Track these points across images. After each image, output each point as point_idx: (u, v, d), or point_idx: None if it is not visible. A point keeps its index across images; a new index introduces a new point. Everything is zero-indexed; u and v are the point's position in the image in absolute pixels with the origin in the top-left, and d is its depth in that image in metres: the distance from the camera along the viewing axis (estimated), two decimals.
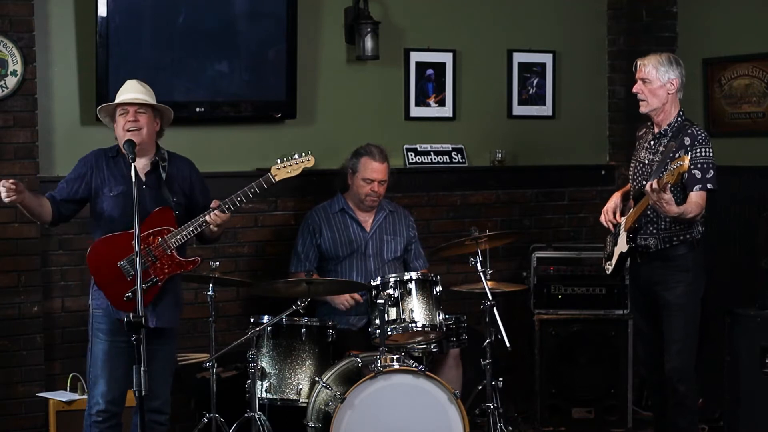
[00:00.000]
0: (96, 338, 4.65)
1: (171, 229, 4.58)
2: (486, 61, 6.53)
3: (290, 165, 4.61)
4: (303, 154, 4.67)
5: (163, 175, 4.65)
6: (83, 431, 4.72)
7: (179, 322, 4.87)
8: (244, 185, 5.83)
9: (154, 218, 4.58)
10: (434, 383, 4.88)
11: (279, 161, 4.64)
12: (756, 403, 5.51)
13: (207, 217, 4.58)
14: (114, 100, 4.69)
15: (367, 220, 5.67)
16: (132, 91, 4.65)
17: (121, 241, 4.53)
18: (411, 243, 5.77)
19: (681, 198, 4.92)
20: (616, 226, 5.23)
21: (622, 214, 5.23)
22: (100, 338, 4.64)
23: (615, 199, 5.29)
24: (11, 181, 4.41)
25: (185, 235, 4.59)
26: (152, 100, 4.67)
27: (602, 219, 5.27)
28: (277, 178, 4.60)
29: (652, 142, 5.15)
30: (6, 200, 4.42)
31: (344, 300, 5.44)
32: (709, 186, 4.94)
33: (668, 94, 5.06)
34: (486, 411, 5.22)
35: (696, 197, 4.92)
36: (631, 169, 5.29)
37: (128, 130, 4.57)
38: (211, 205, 4.61)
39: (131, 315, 3.96)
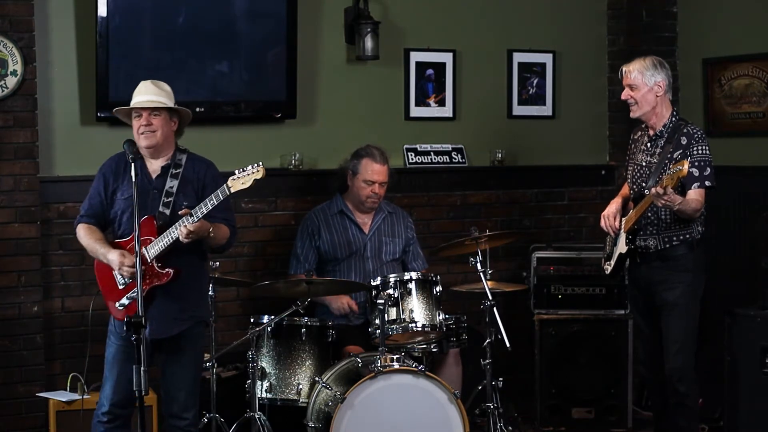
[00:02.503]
0: (109, 341, 4.68)
1: (152, 238, 4.53)
2: (486, 61, 6.53)
3: (244, 176, 4.53)
4: (255, 165, 4.54)
5: (173, 182, 4.60)
6: (91, 429, 4.74)
7: (192, 330, 4.69)
8: None
9: (141, 227, 4.51)
10: (434, 383, 4.88)
11: (236, 172, 4.55)
12: (756, 403, 5.51)
13: (177, 231, 4.47)
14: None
15: (366, 221, 5.67)
16: (145, 93, 4.61)
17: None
18: (409, 244, 5.77)
19: (680, 195, 4.93)
20: (617, 229, 5.23)
21: (623, 217, 5.23)
22: (111, 340, 4.66)
23: (615, 204, 5.28)
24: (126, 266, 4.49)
25: (162, 245, 4.50)
26: (168, 101, 4.63)
27: (603, 224, 5.27)
28: (232, 190, 4.51)
29: (648, 144, 5.16)
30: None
31: (341, 306, 5.43)
32: (707, 183, 4.95)
33: (657, 96, 5.07)
34: (486, 411, 5.22)
35: (694, 194, 4.93)
36: (629, 171, 5.30)
37: (141, 134, 4.56)
38: (181, 212, 4.49)
39: (131, 315, 3.97)
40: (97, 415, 4.66)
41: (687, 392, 5.11)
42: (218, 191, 4.49)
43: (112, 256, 4.53)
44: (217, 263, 5.04)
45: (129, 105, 4.63)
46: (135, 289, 4.48)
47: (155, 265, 4.53)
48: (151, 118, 4.58)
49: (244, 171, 4.55)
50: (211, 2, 5.71)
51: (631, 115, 5.15)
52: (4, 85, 5.30)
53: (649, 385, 5.82)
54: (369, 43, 6.01)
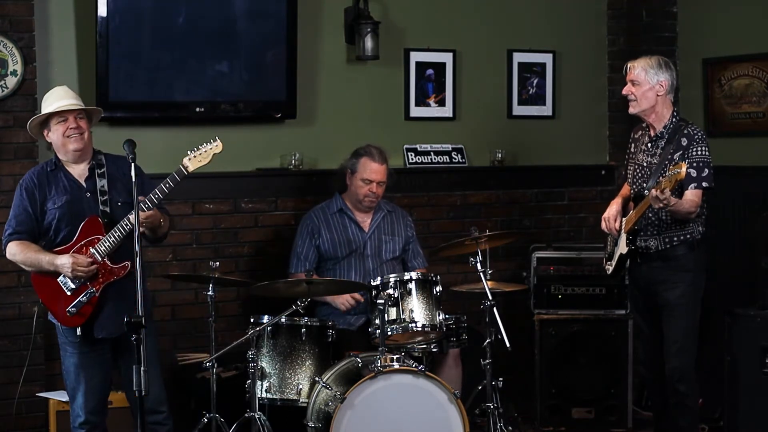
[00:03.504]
0: (65, 352, 4.66)
1: (100, 237, 4.54)
2: (486, 61, 6.53)
3: (200, 154, 4.55)
4: (211, 140, 4.58)
5: (101, 181, 4.60)
6: None
7: (149, 323, 4.63)
8: (244, 185, 5.86)
9: (84, 228, 4.56)
10: (434, 383, 4.88)
11: (189, 152, 4.57)
12: (756, 403, 5.51)
13: (130, 217, 4.48)
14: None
15: (365, 220, 5.67)
16: (65, 98, 4.60)
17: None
18: (409, 243, 5.77)
19: (678, 196, 4.93)
20: (618, 230, 5.23)
21: (623, 217, 5.23)
22: (68, 351, 4.65)
23: (616, 206, 5.28)
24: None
25: (114, 240, 4.52)
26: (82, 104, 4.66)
27: (603, 226, 5.27)
28: (189, 169, 4.52)
29: (649, 145, 5.16)
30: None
31: (345, 300, 5.44)
32: (704, 184, 4.96)
33: (657, 96, 5.07)
34: (486, 411, 5.22)
35: (692, 195, 4.94)
36: (630, 171, 5.30)
37: (69, 137, 4.56)
38: (138, 198, 4.43)
39: (131, 316, 3.95)
40: (74, 427, 4.65)
41: (687, 392, 5.11)
42: (174, 173, 4.51)
43: (62, 261, 4.50)
44: (217, 263, 5.04)
45: (42, 111, 4.60)
46: (86, 292, 4.51)
47: (107, 261, 4.54)
48: (79, 121, 4.59)
49: (199, 149, 4.55)
50: (211, 2, 5.71)
51: (630, 110, 5.15)
52: (4, 85, 5.30)
53: (649, 385, 5.82)
54: (369, 43, 6.01)
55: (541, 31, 6.65)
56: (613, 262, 5.24)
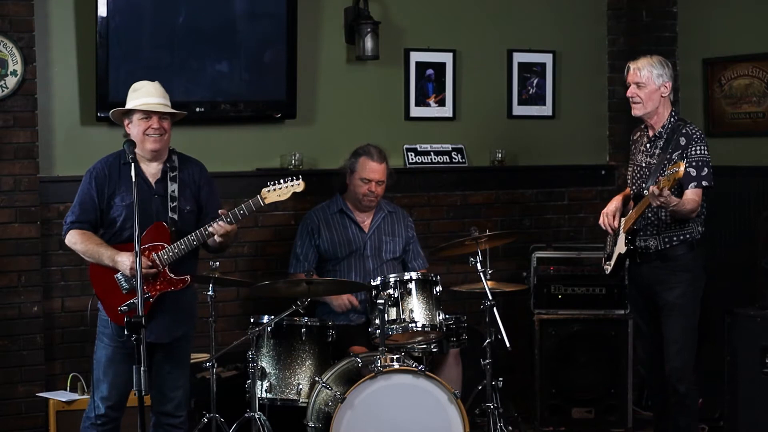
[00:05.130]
0: (101, 342, 4.64)
1: (165, 245, 4.52)
2: (486, 61, 6.53)
3: (280, 188, 4.59)
4: (293, 178, 4.61)
5: (173, 186, 4.58)
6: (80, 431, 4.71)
7: (190, 331, 4.76)
8: (244, 185, 5.86)
9: (149, 233, 4.53)
10: (434, 383, 4.88)
11: (269, 184, 4.61)
12: (756, 403, 5.51)
13: (211, 228, 4.50)
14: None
15: (366, 220, 5.67)
16: (155, 96, 4.57)
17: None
18: (409, 243, 5.77)
19: (677, 196, 4.93)
20: (616, 228, 5.23)
21: (623, 216, 5.23)
22: (104, 342, 4.62)
23: (615, 203, 5.28)
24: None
25: (179, 251, 4.51)
26: (170, 104, 4.64)
27: (601, 222, 5.27)
28: (266, 201, 4.58)
29: (648, 145, 5.16)
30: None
31: (342, 303, 5.44)
32: (704, 183, 4.96)
33: (662, 97, 5.08)
34: (486, 411, 5.22)
35: (692, 194, 4.94)
36: (630, 172, 5.30)
37: (148, 135, 4.52)
38: (220, 212, 4.54)
39: (131, 316, 3.96)
40: (89, 417, 4.62)
41: (687, 392, 5.11)
42: (251, 202, 4.55)
43: (123, 258, 4.47)
44: (217, 263, 5.04)
45: (127, 103, 4.58)
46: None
47: (167, 270, 4.53)
48: (162, 122, 4.56)
49: (280, 183, 4.59)
50: (211, 2, 5.71)
51: (634, 112, 5.14)
52: (4, 85, 5.30)
53: (649, 385, 5.82)
54: (369, 43, 6.01)
55: (541, 31, 6.65)
56: (612, 262, 5.24)
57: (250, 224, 5.93)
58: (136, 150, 4.50)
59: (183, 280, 4.56)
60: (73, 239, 4.59)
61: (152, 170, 4.60)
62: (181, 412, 4.72)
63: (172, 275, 4.55)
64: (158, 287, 4.53)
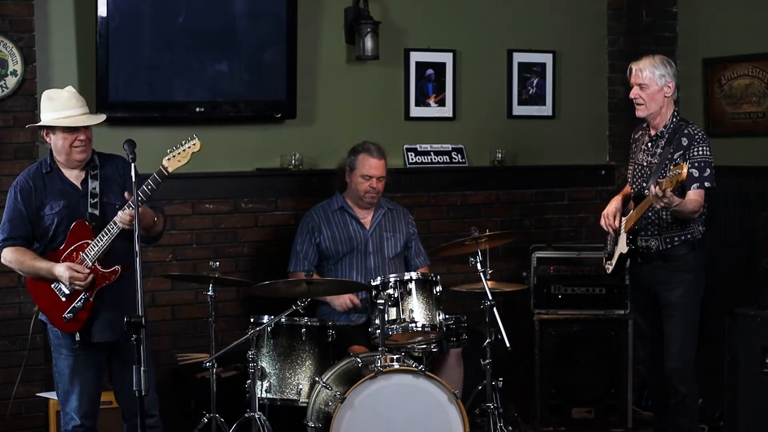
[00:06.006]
0: (59, 354, 4.60)
1: (89, 242, 4.49)
2: (486, 61, 6.53)
3: (179, 153, 4.48)
4: (189, 139, 4.51)
5: (94, 183, 4.55)
6: None
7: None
8: (244, 185, 5.86)
9: (73, 234, 4.51)
10: (434, 383, 4.88)
11: (168, 151, 4.50)
12: (756, 403, 5.51)
13: (116, 218, 4.43)
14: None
15: (366, 217, 5.67)
16: (77, 107, 4.51)
17: (53, 261, 4.52)
18: (411, 240, 5.77)
19: (679, 197, 4.93)
20: (617, 228, 5.23)
21: (623, 216, 5.23)
22: (63, 354, 4.58)
23: (615, 203, 5.28)
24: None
25: (102, 244, 4.47)
26: (93, 116, 4.60)
27: (602, 223, 5.27)
28: (169, 170, 4.46)
29: (649, 144, 5.16)
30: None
31: (343, 302, 5.44)
32: (706, 184, 4.96)
33: (665, 97, 5.07)
34: (486, 411, 5.22)
35: (694, 195, 4.94)
36: (630, 171, 5.30)
37: (76, 147, 4.49)
38: (126, 195, 4.45)
39: (131, 316, 3.95)
40: (67, 430, 4.62)
41: (687, 392, 5.11)
42: (155, 174, 4.43)
43: (60, 270, 4.45)
44: (217, 263, 5.04)
45: (46, 115, 4.52)
46: (80, 298, 4.49)
47: (98, 266, 4.51)
48: (86, 132, 4.53)
49: (177, 148, 4.48)
50: (211, 2, 5.71)
51: (638, 114, 5.13)
52: (4, 85, 5.30)
53: (649, 385, 5.83)
54: (369, 43, 6.01)
55: (541, 31, 6.65)
56: (613, 262, 5.24)
57: (250, 224, 5.93)
58: (59, 159, 4.53)
59: (114, 271, 4.52)
60: (9, 257, 4.55)
61: (76, 174, 4.58)
62: (155, 411, 4.69)
63: (102, 270, 4.51)
64: (95, 285, 4.50)
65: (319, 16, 6.05)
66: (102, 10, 5.38)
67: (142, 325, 3.93)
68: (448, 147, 6.42)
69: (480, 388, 5.31)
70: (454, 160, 6.41)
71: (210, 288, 5.02)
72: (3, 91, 5.30)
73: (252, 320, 5.15)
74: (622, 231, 5.17)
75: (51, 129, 4.53)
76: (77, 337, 4.52)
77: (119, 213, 4.43)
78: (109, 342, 4.57)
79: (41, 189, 4.55)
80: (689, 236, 5.07)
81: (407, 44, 6.29)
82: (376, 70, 6.19)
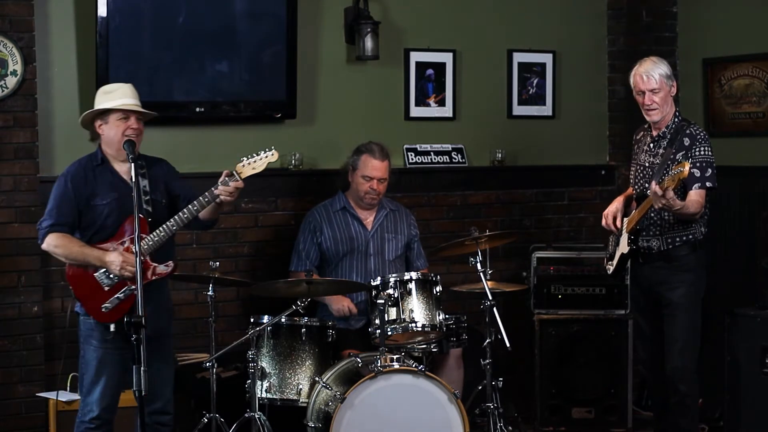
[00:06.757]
0: (88, 345, 4.63)
1: (144, 236, 4.52)
2: (486, 61, 6.53)
3: (254, 162, 4.59)
4: (266, 149, 4.62)
5: (144, 182, 4.59)
6: None
7: (171, 324, 4.86)
8: (244, 185, 5.83)
9: (126, 226, 4.55)
10: (434, 383, 4.88)
11: (244, 158, 4.61)
12: (756, 403, 5.51)
13: (216, 190, 4.53)
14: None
15: (368, 218, 5.67)
16: (132, 97, 4.61)
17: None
18: (413, 241, 5.77)
19: (681, 196, 4.94)
20: (619, 228, 5.23)
21: (625, 217, 5.23)
22: (93, 345, 4.61)
23: (617, 204, 5.28)
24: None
25: (158, 240, 4.53)
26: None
27: (604, 223, 5.27)
28: (243, 176, 4.57)
29: (651, 145, 5.16)
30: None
31: (341, 308, 5.44)
32: (708, 184, 4.96)
33: (671, 97, 5.09)
34: (486, 411, 5.22)
35: (695, 195, 4.94)
36: (632, 172, 5.30)
37: (129, 136, 4.54)
38: (225, 173, 4.56)
39: (131, 316, 3.95)
40: (83, 420, 4.63)
41: (688, 392, 5.12)
42: (226, 178, 4.54)
43: (112, 257, 4.49)
44: (217, 263, 5.04)
45: (102, 104, 4.60)
46: (124, 289, 4.49)
47: (149, 260, 4.54)
48: (139, 123, 4.59)
49: (253, 156, 4.58)
50: (211, 2, 5.71)
51: (653, 118, 5.11)
52: (4, 85, 5.30)
53: (649, 385, 5.83)
54: (369, 43, 6.01)
55: (541, 31, 6.65)
56: (614, 262, 5.25)
57: (250, 224, 5.93)
58: (109, 151, 4.60)
59: (167, 265, 4.59)
60: (55, 242, 4.56)
61: (125, 169, 4.60)
62: (170, 408, 4.74)
63: (154, 264, 4.57)
64: (146, 278, 4.52)
65: (319, 16, 6.05)
66: (102, 10, 5.38)
67: (142, 325, 3.94)
68: (448, 147, 6.42)
69: (480, 388, 5.31)
70: (454, 160, 6.41)
71: (210, 288, 5.02)
72: (3, 91, 5.30)
73: (252, 320, 5.15)
74: (624, 231, 5.17)
75: (104, 119, 4.59)
76: (112, 327, 4.53)
77: (220, 188, 4.53)
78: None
79: (92, 180, 4.60)
80: (691, 237, 5.07)
81: (407, 44, 6.29)
82: (376, 70, 6.19)
